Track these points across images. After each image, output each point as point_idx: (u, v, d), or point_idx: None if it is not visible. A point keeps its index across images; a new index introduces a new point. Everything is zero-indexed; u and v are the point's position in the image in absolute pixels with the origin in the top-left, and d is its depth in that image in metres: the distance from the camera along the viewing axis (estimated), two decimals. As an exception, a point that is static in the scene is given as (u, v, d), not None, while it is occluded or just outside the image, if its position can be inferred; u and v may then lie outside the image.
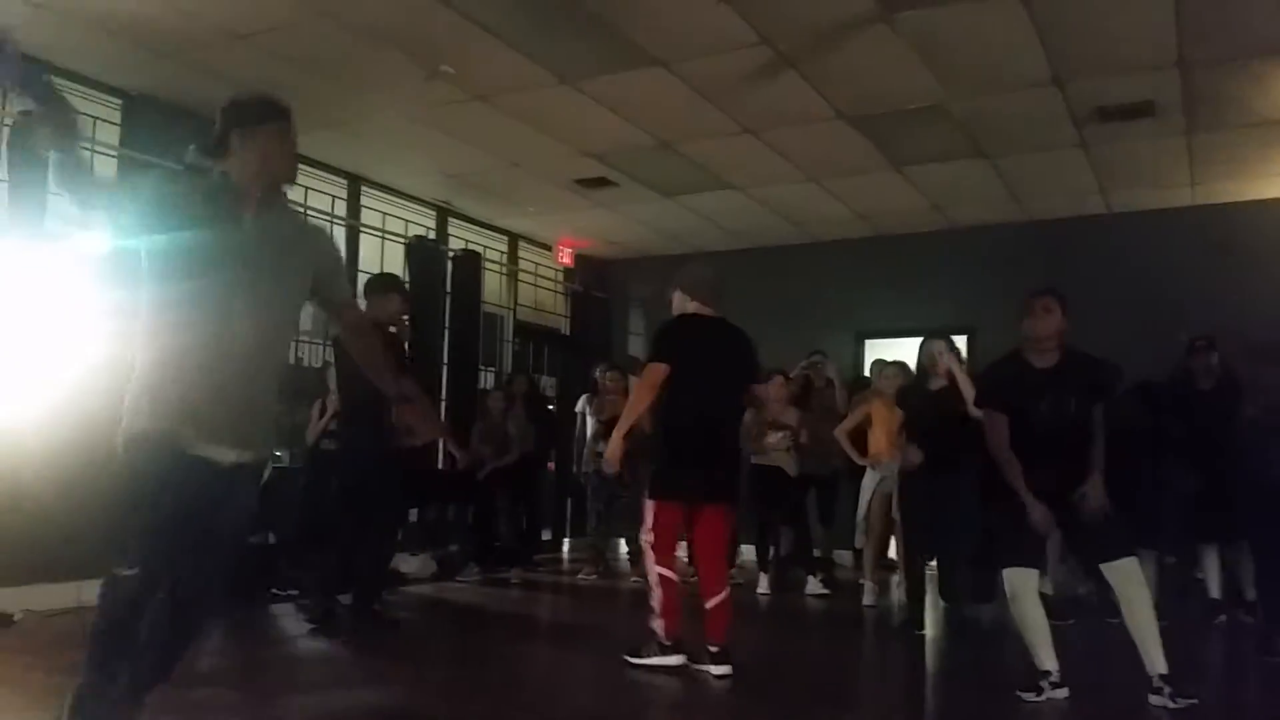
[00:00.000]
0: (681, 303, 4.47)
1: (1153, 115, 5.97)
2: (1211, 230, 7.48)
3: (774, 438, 6.89)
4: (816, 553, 7.31)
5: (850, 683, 4.70)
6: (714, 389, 4.27)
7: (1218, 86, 5.58)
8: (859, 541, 6.82)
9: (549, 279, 9.92)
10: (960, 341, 8.35)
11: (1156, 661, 3.76)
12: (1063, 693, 3.88)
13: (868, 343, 8.98)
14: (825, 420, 6.95)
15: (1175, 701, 3.68)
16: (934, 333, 5.64)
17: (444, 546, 7.37)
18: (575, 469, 8.30)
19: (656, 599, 4.27)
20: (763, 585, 6.92)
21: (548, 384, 9.58)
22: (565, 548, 9.29)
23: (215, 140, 2.62)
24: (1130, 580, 3.83)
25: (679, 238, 9.17)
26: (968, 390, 4.89)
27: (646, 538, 4.33)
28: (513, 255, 9.50)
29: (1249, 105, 5.81)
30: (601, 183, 7.57)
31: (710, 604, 4.24)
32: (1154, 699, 3.74)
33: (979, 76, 5.52)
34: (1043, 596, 4.52)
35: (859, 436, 6.55)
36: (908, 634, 5.48)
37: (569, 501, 9.31)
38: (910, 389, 5.77)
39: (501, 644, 4.97)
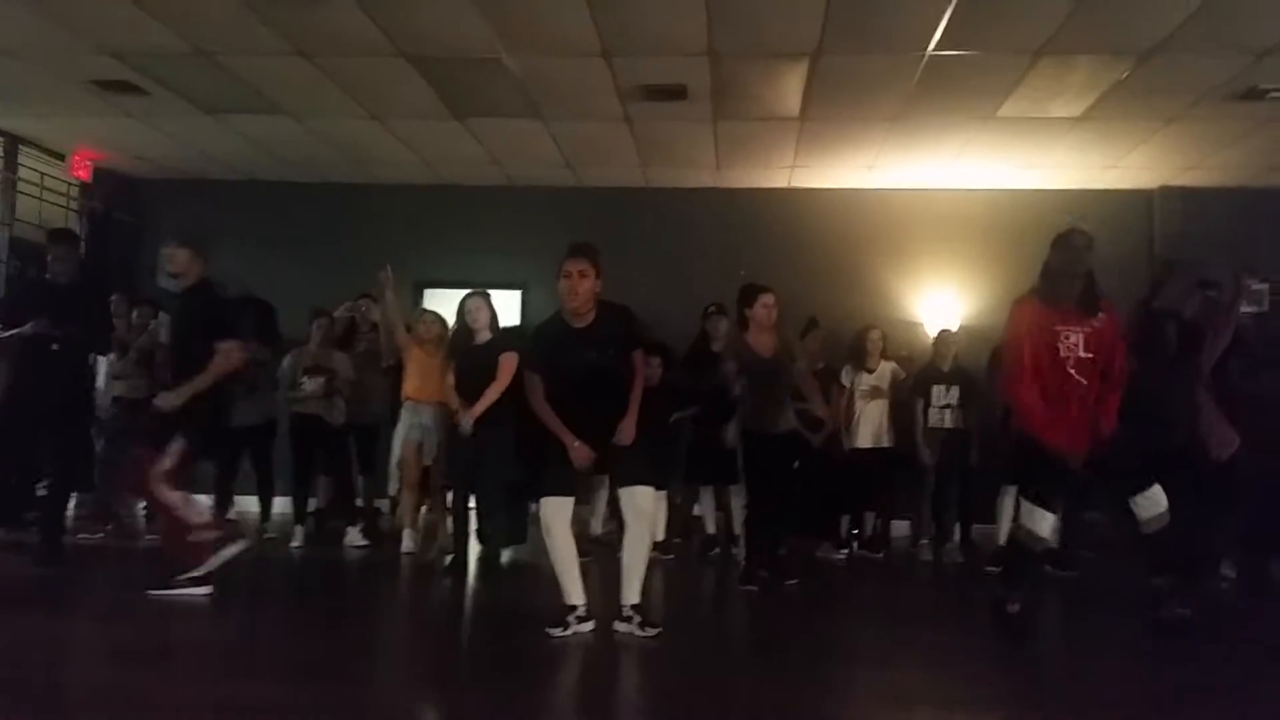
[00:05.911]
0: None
1: (685, 98, 6.51)
2: (729, 212, 8.46)
3: (311, 384, 6.58)
4: (358, 503, 7.15)
5: (381, 629, 4.64)
6: None
7: (740, 78, 6.19)
8: (392, 489, 6.74)
9: (59, 193, 8.48)
10: (514, 297, 8.74)
11: (630, 592, 4.03)
12: (588, 626, 3.99)
13: (426, 292, 8.89)
14: (368, 366, 6.77)
15: (643, 630, 3.98)
16: (486, 286, 5.80)
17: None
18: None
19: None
20: (298, 539, 6.62)
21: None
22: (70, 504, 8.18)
23: None
24: (633, 509, 4.07)
25: (223, 161, 8.32)
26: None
27: None
28: (10, 161, 7.97)
29: (763, 99, 6.56)
30: (126, 87, 6.60)
31: None
32: (620, 626, 4.01)
33: (534, 36, 5.61)
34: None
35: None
36: (451, 576, 5.58)
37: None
38: (457, 343, 5.83)
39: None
